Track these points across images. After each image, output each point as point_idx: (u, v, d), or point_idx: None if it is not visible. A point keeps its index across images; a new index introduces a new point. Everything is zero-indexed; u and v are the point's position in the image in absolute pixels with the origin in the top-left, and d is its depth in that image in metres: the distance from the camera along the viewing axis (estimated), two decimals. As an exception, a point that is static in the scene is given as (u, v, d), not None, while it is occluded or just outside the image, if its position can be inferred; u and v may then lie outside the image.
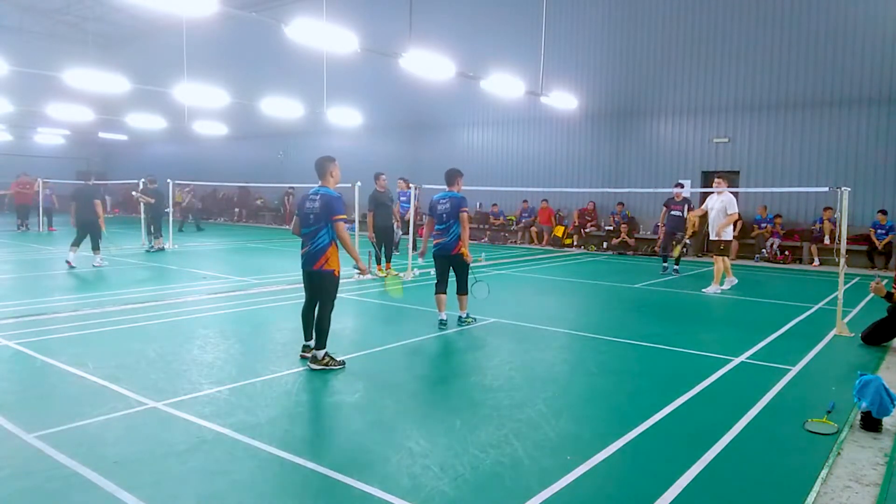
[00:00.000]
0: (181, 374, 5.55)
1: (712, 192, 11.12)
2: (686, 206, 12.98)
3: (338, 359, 5.87)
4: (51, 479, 3.55)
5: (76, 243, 12.29)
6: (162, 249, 15.77)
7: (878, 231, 14.53)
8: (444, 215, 7.55)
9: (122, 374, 5.47)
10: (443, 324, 7.62)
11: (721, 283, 10.91)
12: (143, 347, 6.40)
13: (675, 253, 13.14)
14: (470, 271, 7.75)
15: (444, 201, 7.60)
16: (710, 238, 11.34)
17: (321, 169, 5.90)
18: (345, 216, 5.75)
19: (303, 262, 5.87)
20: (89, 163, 37.30)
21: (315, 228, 5.71)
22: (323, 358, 5.74)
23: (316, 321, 5.80)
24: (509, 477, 3.67)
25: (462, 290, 7.72)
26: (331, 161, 5.95)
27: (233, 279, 11.42)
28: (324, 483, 3.57)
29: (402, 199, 14.37)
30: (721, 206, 10.76)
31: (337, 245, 5.78)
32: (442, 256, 7.65)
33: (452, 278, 7.69)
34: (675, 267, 13.30)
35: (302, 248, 5.86)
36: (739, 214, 12.10)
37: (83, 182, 12.89)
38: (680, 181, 16.48)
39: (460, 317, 7.83)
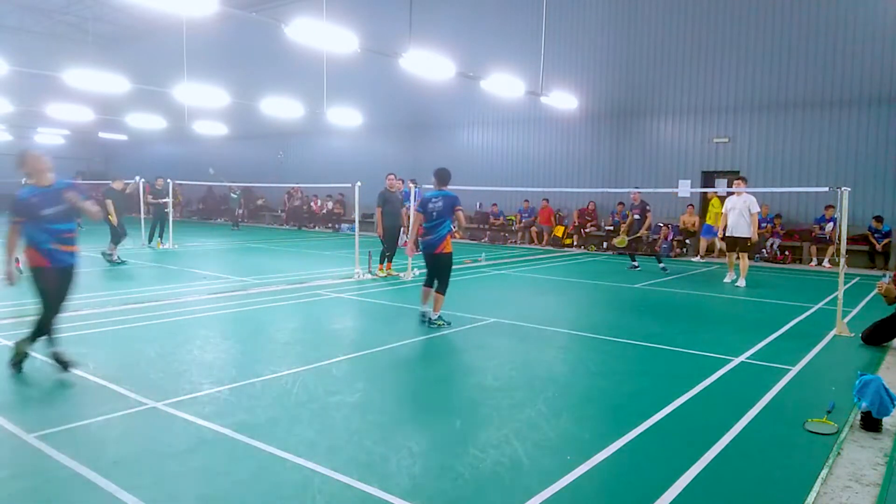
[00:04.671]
0: (181, 374, 5.55)
1: (731, 194, 11.62)
2: (643, 208, 13.43)
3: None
4: (51, 480, 3.55)
5: None
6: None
7: (876, 235, 14.52)
8: (435, 213, 7.51)
9: (122, 374, 5.47)
10: (423, 316, 7.66)
11: (737, 278, 11.59)
12: (143, 347, 6.40)
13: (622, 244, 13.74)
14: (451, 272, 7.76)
15: (437, 199, 7.54)
16: (734, 235, 11.48)
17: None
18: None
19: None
20: (89, 163, 37.33)
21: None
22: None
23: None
24: (509, 477, 3.66)
25: (440, 289, 7.55)
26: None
27: (233, 279, 11.42)
28: (324, 483, 3.57)
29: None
30: (743, 206, 11.26)
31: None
32: (428, 254, 7.64)
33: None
34: (634, 263, 13.88)
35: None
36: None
37: None
38: (680, 181, 16.50)
39: (431, 318, 7.56)
